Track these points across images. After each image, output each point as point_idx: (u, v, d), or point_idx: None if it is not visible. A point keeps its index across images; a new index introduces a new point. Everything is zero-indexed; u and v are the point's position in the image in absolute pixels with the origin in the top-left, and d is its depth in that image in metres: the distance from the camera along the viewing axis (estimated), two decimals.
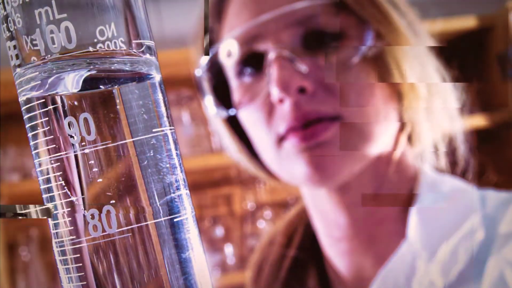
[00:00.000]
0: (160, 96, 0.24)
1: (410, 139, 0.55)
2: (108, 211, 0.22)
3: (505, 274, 0.48)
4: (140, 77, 0.23)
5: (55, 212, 0.23)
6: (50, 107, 0.22)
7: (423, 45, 0.53)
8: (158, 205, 0.23)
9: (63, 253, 0.23)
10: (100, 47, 0.22)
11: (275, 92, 0.49)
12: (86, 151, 0.22)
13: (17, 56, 0.23)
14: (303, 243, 0.62)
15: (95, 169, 0.22)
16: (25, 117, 0.23)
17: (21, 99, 0.23)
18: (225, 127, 0.59)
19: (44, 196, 0.23)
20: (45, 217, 0.23)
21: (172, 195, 0.23)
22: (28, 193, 1.36)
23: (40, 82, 0.22)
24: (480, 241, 0.51)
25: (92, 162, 0.22)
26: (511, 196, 0.54)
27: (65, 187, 0.22)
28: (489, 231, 0.51)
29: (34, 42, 0.22)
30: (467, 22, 1.59)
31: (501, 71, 1.59)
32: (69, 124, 0.22)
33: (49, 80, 0.22)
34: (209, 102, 0.57)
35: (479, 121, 1.52)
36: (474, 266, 0.50)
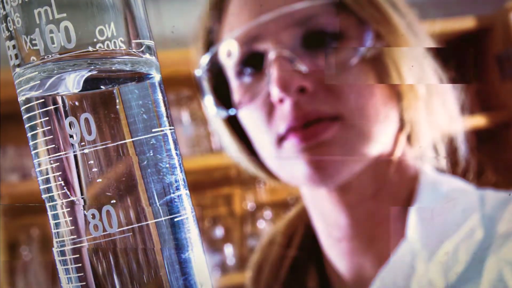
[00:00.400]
0: (159, 96, 0.24)
1: (410, 139, 0.55)
2: (108, 211, 0.22)
3: (504, 273, 0.48)
4: (140, 77, 0.23)
5: (55, 212, 0.23)
6: (51, 107, 0.22)
7: (422, 46, 0.54)
8: (158, 205, 0.23)
9: (63, 253, 0.23)
10: (100, 47, 0.22)
11: (275, 92, 0.49)
12: (86, 151, 0.22)
13: (16, 56, 0.23)
14: (303, 243, 0.62)
15: (95, 169, 0.22)
16: (25, 117, 0.23)
17: (20, 99, 0.23)
18: (225, 127, 0.59)
19: (44, 196, 0.23)
20: (46, 217, 0.23)
21: (172, 195, 0.23)
22: (28, 193, 1.36)
23: (39, 82, 0.22)
24: (479, 240, 0.51)
25: (92, 162, 0.22)
26: (510, 196, 0.54)
27: (65, 187, 0.22)
28: (488, 231, 0.51)
29: (33, 42, 0.22)
30: (467, 22, 1.59)
31: (500, 71, 1.59)
32: (70, 124, 0.22)
33: (50, 80, 0.22)
34: (209, 102, 0.57)
35: (479, 121, 1.52)
36: (473, 266, 0.50)
